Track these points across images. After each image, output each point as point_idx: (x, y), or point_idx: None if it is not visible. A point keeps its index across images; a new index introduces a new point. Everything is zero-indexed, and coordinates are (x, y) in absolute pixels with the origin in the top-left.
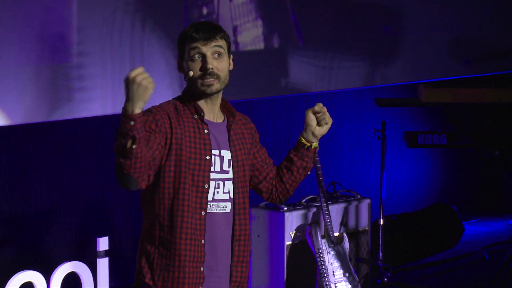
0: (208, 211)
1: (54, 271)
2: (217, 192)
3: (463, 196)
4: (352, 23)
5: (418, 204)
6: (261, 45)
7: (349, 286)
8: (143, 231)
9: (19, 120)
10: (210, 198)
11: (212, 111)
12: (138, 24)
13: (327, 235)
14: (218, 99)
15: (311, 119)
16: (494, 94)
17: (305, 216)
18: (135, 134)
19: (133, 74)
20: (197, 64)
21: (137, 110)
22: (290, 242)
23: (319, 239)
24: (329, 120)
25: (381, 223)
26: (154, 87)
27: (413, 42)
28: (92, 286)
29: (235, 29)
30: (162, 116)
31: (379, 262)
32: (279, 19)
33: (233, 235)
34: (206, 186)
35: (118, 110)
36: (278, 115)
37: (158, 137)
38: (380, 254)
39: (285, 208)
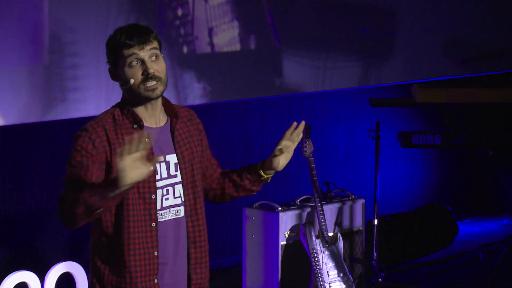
0: (158, 220)
1: (48, 271)
2: (166, 199)
3: (457, 196)
4: (337, 23)
5: (412, 204)
6: (237, 47)
7: (344, 286)
8: (92, 246)
9: (13, 120)
10: (158, 207)
11: (153, 116)
12: None
13: (321, 235)
14: (159, 102)
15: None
16: (488, 94)
17: (300, 216)
18: (105, 203)
19: (116, 160)
20: (136, 70)
21: (118, 190)
22: (285, 242)
23: (314, 239)
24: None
25: (375, 223)
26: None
27: (407, 42)
28: (86, 286)
29: (210, 30)
30: (98, 134)
31: (373, 262)
32: (255, 20)
33: (188, 238)
34: (153, 196)
35: None
36: (272, 115)
37: (96, 162)
38: (374, 254)
39: (279, 208)
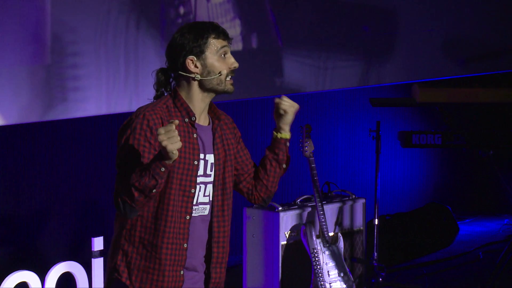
0: (192, 215)
1: (49, 271)
2: (200, 196)
3: (457, 195)
4: (337, 23)
5: (412, 203)
6: (239, 46)
7: (344, 286)
8: (119, 230)
9: (13, 120)
10: (195, 202)
11: (203, 114)
12: (133, 24)
13: (322, 235)
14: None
15: (277, 113)
16: (489, 94)
17: (300, 216)
18: (158, 180)
19: (158, 132)
20: (226, 62)
21: (168, 162)
22: (285, 242)
23: (314, 239)
24: (287, 108)
25: (376, 222)
26: (178, 146)
27: (408, 42)
28: (87, 286)
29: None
30: (155, 122)
31: (374, 261)
32: (257, 19)
33: (211, 237)
34: (193, 190)
35: (112, 110)
36: (272, 115)
37: (151, 151)
38: (375, 253)
39: (280, 208)
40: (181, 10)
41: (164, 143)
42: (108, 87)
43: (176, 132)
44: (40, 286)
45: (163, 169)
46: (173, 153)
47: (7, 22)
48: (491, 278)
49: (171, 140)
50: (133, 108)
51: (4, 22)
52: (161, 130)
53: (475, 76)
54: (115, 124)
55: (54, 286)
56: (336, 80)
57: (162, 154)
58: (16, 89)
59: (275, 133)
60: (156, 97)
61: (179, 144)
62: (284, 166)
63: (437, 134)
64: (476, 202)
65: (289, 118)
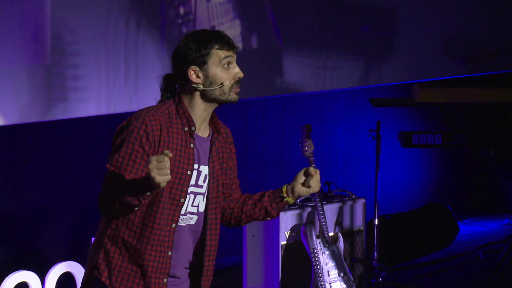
0: (178, 224)
1: (49, 271)
2: (188, 205)
3: (457, 196)
4: (337, 23)
5: (412, 204)
6: (239, 46)
7: (344, 286)
8: (104, 228)
9: (13, 120)
10: (183, 211)
11: (203, 124)
12: (133, 24)
13: (322, 235)
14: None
15: (300, 177)
16: (489, 94)
17: (300, 216)
18: (141, 201)
19: (150, 160)
20: (230, 72)
21: (155, 191)
22: (285, 242)
23: (314, 239)
24: (314, 186)
25: (376, 223)
26: (167, 180)
27: (407, 42)
28: None
29: (212, 29)
30: (153, 128)
31: (374, 261)
32: (257, 19)
33: (203, 250)
34: (182, 200)
35: (112, 110)
36: (272, 115)
37: (144, 157)
38: (375, 254)
39: None
40: (181, 10)
41: (152, 174)
42: (108, 87)
43: (168, 164)
44: (40, 286)
45: (148, 193)
46: (160, 185)
47: (7, 22)
48: (491, 278)
49: (161, 173)
50: (133, 108)
51: (4, 22)
52: (153, 160)
53: (475, 76)
54: (115, 124)
55: (54, 286)
56: (336, 80)
57: (150, 181)
58: (16, 89)
59: (284, 193)
60: (160, 101)
61: (168, 178)
62: (268, 219)
63: (437, 134)
64: (476, 202)
65: (307, 192)
